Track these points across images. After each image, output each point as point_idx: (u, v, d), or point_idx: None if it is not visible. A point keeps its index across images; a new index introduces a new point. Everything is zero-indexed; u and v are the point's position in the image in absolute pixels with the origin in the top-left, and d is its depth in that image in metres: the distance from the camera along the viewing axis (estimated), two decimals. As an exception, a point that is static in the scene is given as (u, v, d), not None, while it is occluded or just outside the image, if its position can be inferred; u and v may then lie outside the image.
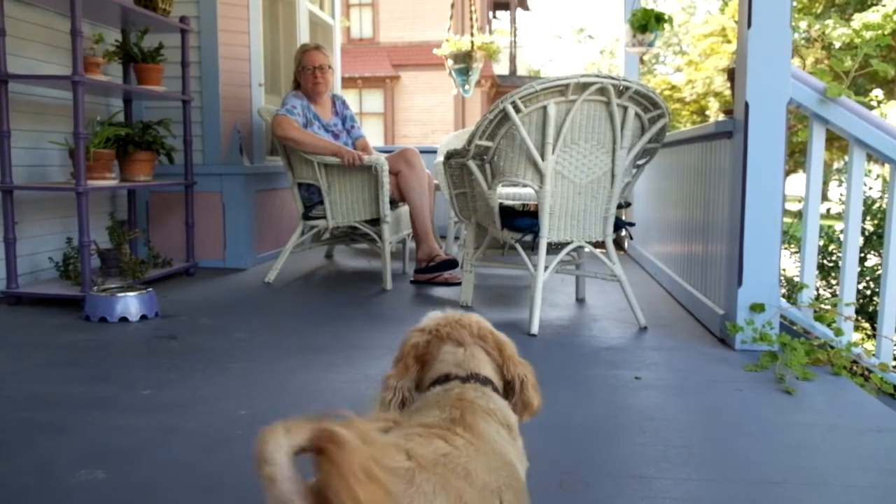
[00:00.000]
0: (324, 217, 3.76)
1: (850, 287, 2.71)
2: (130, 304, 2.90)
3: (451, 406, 0.88)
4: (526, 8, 24.92)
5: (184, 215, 3.98)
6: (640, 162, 3.03)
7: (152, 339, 2.66)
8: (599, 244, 2.94)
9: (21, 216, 3.33)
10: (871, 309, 4.56)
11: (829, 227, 5.35)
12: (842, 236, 2.93)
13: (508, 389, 1.00)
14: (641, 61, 5.34)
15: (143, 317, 2.93)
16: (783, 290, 3.21)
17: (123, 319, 2.88)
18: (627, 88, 2.66)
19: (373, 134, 16.11)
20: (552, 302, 3.37)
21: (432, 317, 1.05)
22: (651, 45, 4.46)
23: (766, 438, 1.78)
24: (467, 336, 1.01)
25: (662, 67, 30.58)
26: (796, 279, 3.00)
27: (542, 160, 2.72)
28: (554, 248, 2.91)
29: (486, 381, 0.96)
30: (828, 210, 6.67)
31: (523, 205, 2.95)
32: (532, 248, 2.82)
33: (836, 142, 13.10)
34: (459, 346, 0.99)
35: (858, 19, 13.96)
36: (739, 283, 2.56)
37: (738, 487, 1.50)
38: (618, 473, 1.56)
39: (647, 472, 1.57)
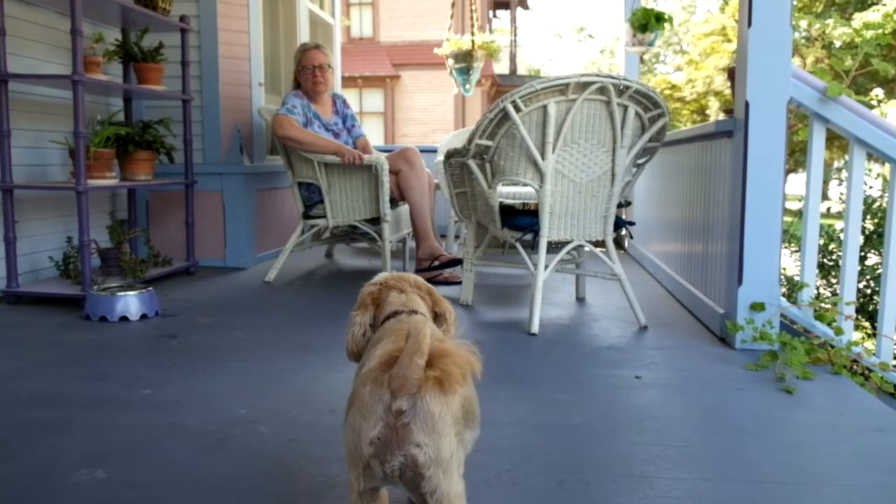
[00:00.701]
0: (324, 216, 3.76)
1: (850, 286, 2.71)
2: (131, 303, 2.90)
3: (400, 330, 1.17)
4: (526, 7, 24.91)
5: (184, 214, 3.98)
6: (640, 161, 3.03)
7: (152, 339, 2.66)
8: (599, 243, 2.94)
9: (21, 215, 3.33)
10: (871, 308, 4.57)
11: (830, 226, 5.35)
12: (842, 235, 2.93)
13: (439, 321, 1.39)
14: (642, 60, 5.34)
15: (144, 316, 2.93)
16: (783, 290, 3.21)
17: (124, 318, 2.88)
18: (628, 87, 2.66)
19: (373, 133, 16.11)
20: (552, 301, 3.37)
21: (382, 274, 1.40)
22: (651, 44, 4.46)
23: (767, 438, 1.78)
24: (407, 286, 1.37)
25: (663, 66, 30.59)
26: (796, 278, 3.01)
27: (543, 159, 2.72)
28: (554, 247, 2.91)
29: (420, 314, 1.29)
30: (828, 209, 6.67)
31: (523, 204, 2.95)
32: (532, 247, 2.82)
33: (837, 141, 13.11)
34: (402, 293, 1.34)
35: (859, 19, 13.96)
36: (740, 282, 2.56)
37: (739, 487, 1.50)
38: (618, 472, 1.56)
39: (647, 471, 1.57)
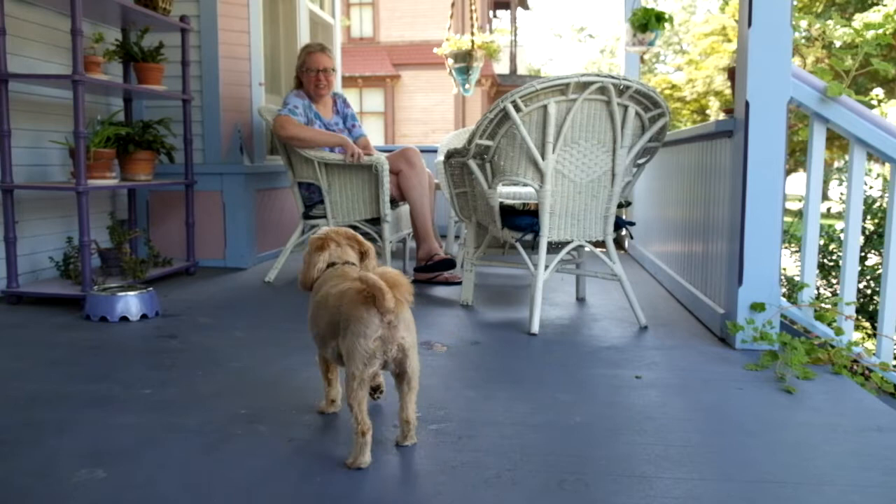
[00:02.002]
0: (324, 216, 3.76)
1: (850, 286, 2.71)
2: (131, 303, 2.91)
3: (341, 275, 1.72)
4: (526, 7, 24.92)
5: (184, 214, 3.98)
6: (640, 161, 3.03)
7: (153, 339, 2.66)
8: (600, 243, 2.94)
9: (21, 215, 3.33)
10: (871, 308, 4.56)
11: (830, 226, 5.35)
12: (842, 235, 2.93)
13: (364, 256, 1.87)
14: (642, 60, 5.34)
15: (144, 316, 2.94)
16: (783, 290, 3.21)
17: (124, 319, 2.88)
18: (628, 87, 2.66)
19: (373, 133, 16.12)
20: (552, 301, 3.37)
21: (323, 229, 1.87)
22: (651, 44, 4.46)
23: (767, 437, 1.78)
24: (342, 239, 1.84)
25: (663, 66, 30.60)
26: (797, 278, 3.01)
27: (543, 159, 2.72)
28: (554, 248, 2.91)
29: (351, 264, 1.82)
30: (828, 209, 6.66)
31: (524, 204, 2.95)
32: (532, 247, 2.82)
33: (837, 141, 13.10)
34: (339, 246, 1.82)
35: (859, 19, 13.95)
36: (740, 282, 2.56)
37: (739, 486, 1.50)
38: (618, 472, 1.56)
39: (647, 471, 1.57)
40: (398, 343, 1.55)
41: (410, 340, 1.58)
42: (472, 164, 2.91)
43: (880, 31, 2.79)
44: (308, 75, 3.84)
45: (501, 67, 20.84)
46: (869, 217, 4.93)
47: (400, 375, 1.60)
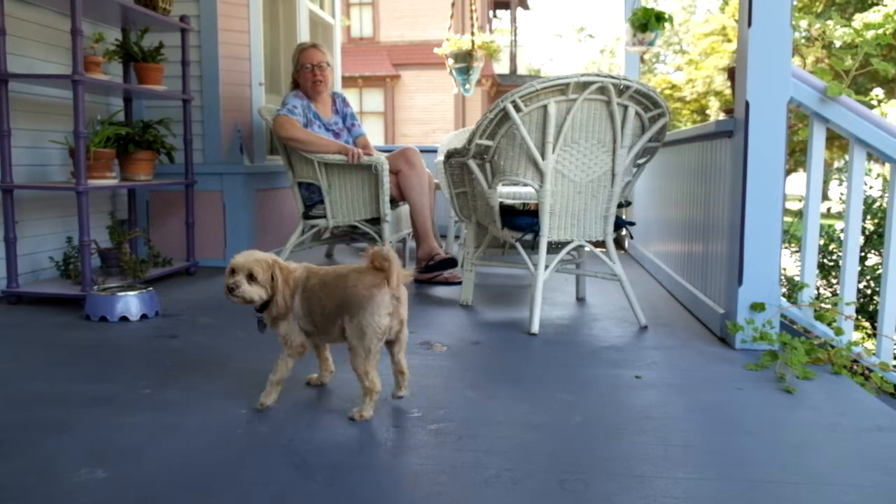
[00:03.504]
0: (324, 216, 3.76)
1: (850, 286, 2.71)
2: (131, 303, 2.91)
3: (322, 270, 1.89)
4: (526, 7, 24.91)
5: (184, 214, 3.98)
6: (640, 161, 3.03)
7: (153, 339, 2.66)
8: (600, 243, 2.94)
9: (21, 215, 3.33)
10: (871, 308, 4.56)
11: (830, 226, 5.35)
12: (842, 235, 2.93)
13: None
14: (642, 60, 5.34)
15: (144, 316, 2.94)
16: (783, 290, 3.21)
17: (124, 319, 2.88)
18: (628, 87, 2.66)
19: (373, 133, 16.11)
20: (552, 301, 3.37)
21: (239, 257, 1.87)
22: (651, 43, 4.46)
23: (767, 437, 1.78)
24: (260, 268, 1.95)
25: (663, 66, 30.61)
26: (797, 278, 3.01)
27: (543, 159, 2.72)
28: (554, 248, 2.91)
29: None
30: (828, 209, 6.66)
31: (523, 204, 2.95)
32: (532, 247, 2.83)
33: (837, 141, 13.10)
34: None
35: (859, 19, 13.96)
36: (740, 282, 2.56)
37: (739, 486, 1.50)
38: (618, 472, 1.56)
39: (647, 470, 1.57)
40: (401, 318, 1.81)
41: (404, 313, 1.83)
42: (472, 164, 2.91)
43: (880, 31, 2.79)
44: (304, 72, 3.84)
45: (501, 67, 20.85)
46: (869, 217, 4.93)
47: (396, 341, 1.85)
